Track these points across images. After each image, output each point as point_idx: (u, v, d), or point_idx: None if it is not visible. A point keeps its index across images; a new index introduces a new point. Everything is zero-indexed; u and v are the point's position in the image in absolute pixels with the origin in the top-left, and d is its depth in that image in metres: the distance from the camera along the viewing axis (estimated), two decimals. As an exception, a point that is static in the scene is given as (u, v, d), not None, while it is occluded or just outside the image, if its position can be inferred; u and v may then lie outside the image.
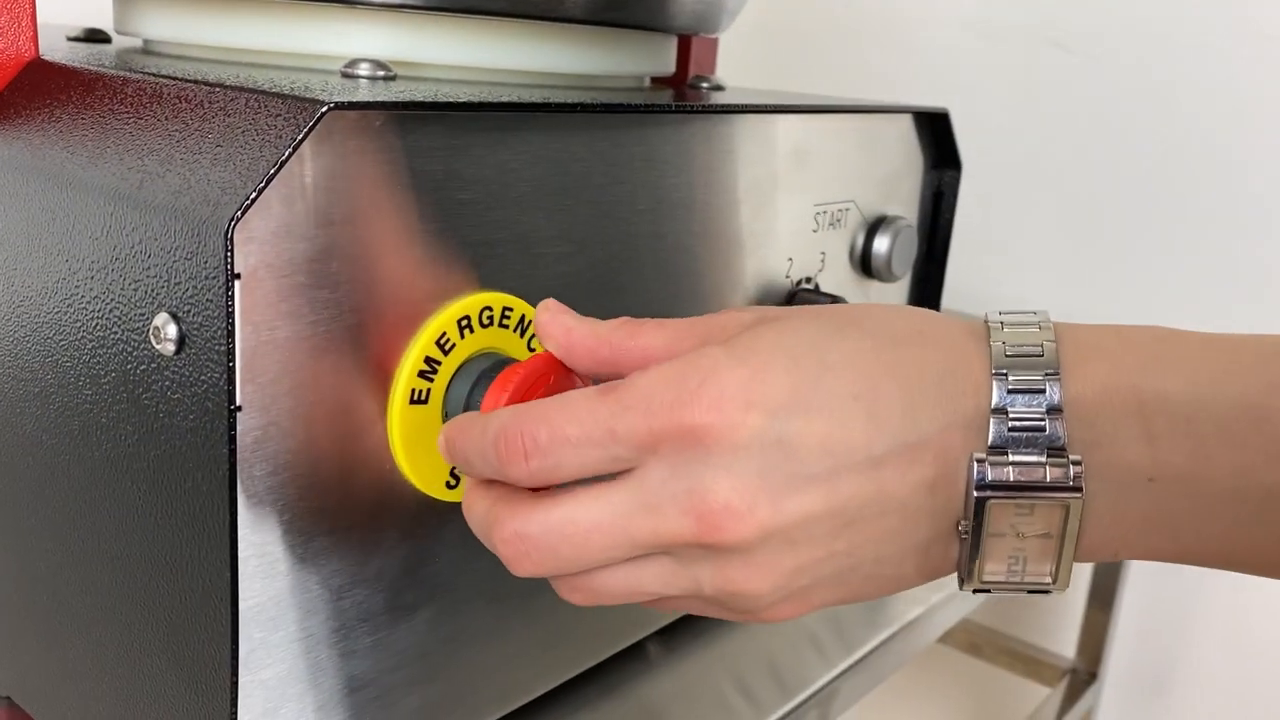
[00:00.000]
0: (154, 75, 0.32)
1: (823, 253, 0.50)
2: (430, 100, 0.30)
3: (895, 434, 0.27)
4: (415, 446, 0.33)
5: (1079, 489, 0.27)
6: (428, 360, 0.32)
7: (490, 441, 0.28)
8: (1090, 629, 0.90)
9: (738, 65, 0.83)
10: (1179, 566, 0.76)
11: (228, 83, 0.31)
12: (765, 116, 0.44)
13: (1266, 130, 0.92)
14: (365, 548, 0.33)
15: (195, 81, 0.31)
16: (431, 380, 0.33)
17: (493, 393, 0.32)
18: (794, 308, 0.31)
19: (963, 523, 0.28)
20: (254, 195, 0.26)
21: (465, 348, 0.34)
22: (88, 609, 0.35)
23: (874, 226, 0.53)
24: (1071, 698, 0.87)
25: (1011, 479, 0.27)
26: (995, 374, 0.27)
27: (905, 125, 0.54)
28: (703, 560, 0.28)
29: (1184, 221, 0.97)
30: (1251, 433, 0.26)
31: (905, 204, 0.56)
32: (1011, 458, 0.27)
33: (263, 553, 0.30)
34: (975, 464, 0.27)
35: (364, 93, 0.33)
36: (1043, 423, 0.27)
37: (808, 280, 0.50)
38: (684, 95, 0.51)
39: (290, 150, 0.27)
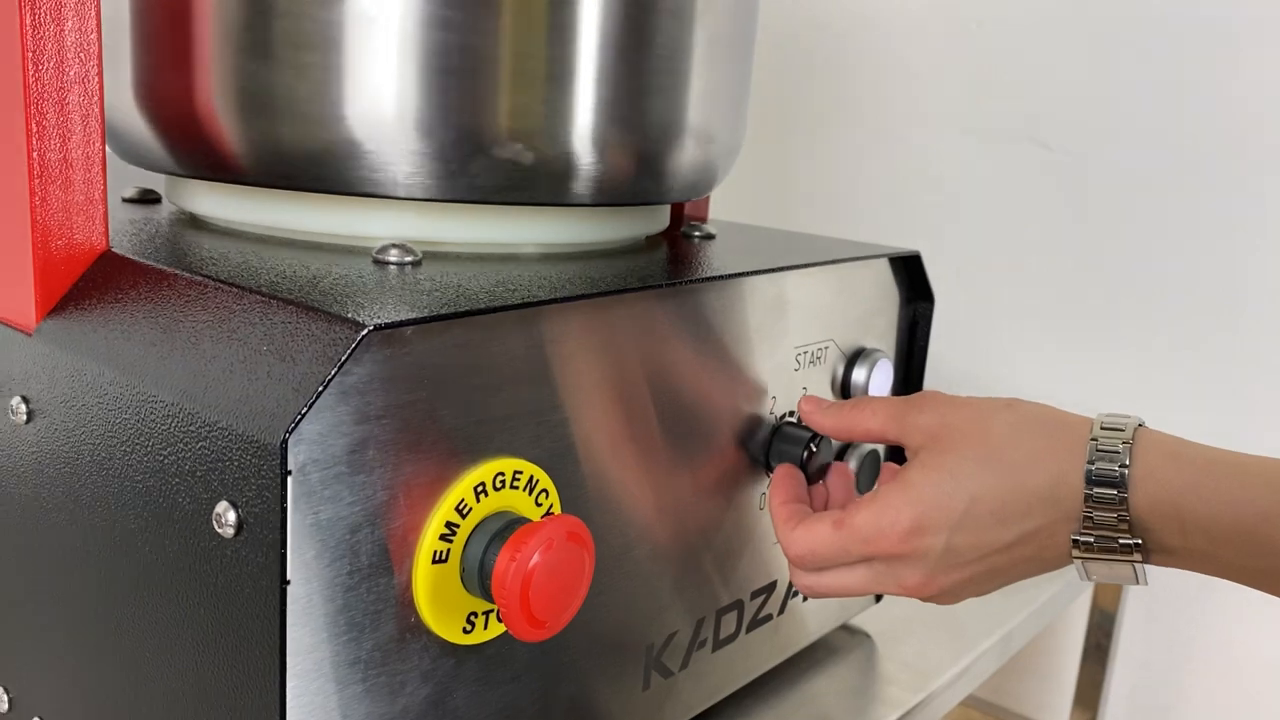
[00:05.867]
0: (215, 280, 0.38)
1: (804, 388, 0.55)
2: (454, 312, 0.35)
3: (1018, 529, 0.43)
4: (437, 600, 0.38)
5: (1139, 552, 0.42)
6: (448, 524, 0.37)
7: (786, 551, 0.47)
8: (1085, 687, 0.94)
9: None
10: (1169, 641, 0.80)
11: (281, 294, 0.36)
12: (750, 277, 0.49)
13: (1230, 218, 0.98)
14: (393, 689, 0.37)
15: (253, 291, 0.36)
16: (451, 542, 0.38)
17: (505, 554, 0.37)
18: (954, 425, 0.45)
19: (1074, 557, 0.43)
20: (305, 410, 0.31)
21: (481, 510, 0.38)
22: (147, 740, 0.39)
23: (852, 359, 0.58)
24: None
25: (1096, 549, 0.42)
26: (1085, 490, 0.41)
27: (881, 266, 0.60)
28: (914, 596, 0.46)
29: (1160, 303, 1.02)
30: (1245, 540, 0.40)
31: (882, 336, 0.61)
32: (1096, 535, 0.42)
33: (306, 701, 0.34)
34: (1072, 546, 0.42)
35: (394, 286, 0.38)
36: (1112, 525, 0.41)
37: (790, 414, 0.55)
38: (677, 246, 0.56)
39: (335, 370, 0.32)
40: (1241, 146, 0.95)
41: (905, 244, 1.13)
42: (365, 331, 0.33)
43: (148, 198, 0.56)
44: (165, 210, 0.54)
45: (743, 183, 1.16)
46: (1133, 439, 0.42)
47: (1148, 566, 0.43)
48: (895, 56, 1.15)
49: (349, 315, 0.34)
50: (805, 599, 0.60)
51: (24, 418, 0.42)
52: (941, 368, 1.10)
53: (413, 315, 0.34)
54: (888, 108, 1.16)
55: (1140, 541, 0.41)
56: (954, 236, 1.11)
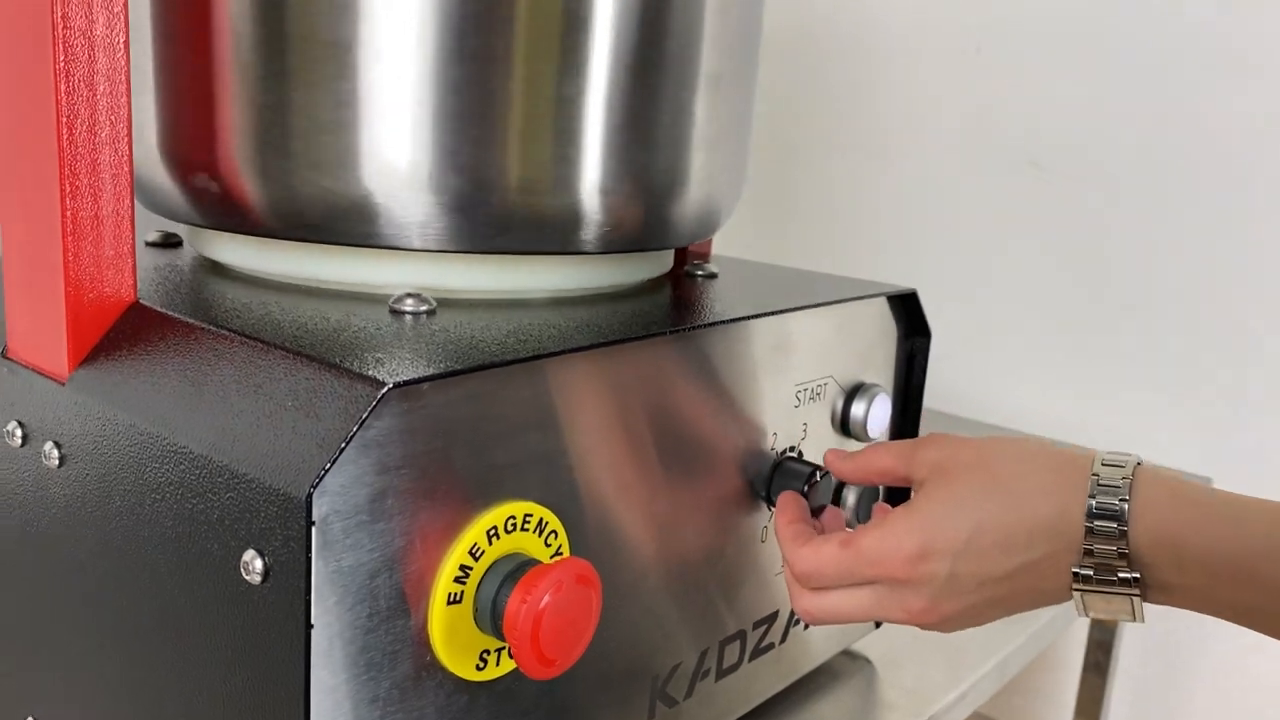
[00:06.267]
0: (241, 334, 0.40)
1: (804, 424, 0.57)
2: (468, 367, 0.37)
3: (1021, 558, 0.44)
4: (452, 639, 0.39)
5: (1137, 586, 0.43)
6: (462, 567, 0.39)
7: (791, 568, 0.48)
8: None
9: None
10: (1167, 681, 0.81)
11: (305, 350, 0.38)
12: (752, 320, 0.51)
13: (1227, 240, 0.99)
14: (409, 724, 0.39)
15: (278, 346, 0.38)
16: (465, 583, 0.39)
17: (518, 592, 0.39)
18: (961, 457, 0.46)
19: (1073, 591, 0.44)
20: (329, 466, 0.33)
21: (493, 553, 0.40)
22: (174, 773, 0.41)
23: (851, 394, 0.60)
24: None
25: (1096, 582, 0.43)
26: (1086, 523, 0.43)
27: (879, 303, 0.61)
28: (915, 624, 0.47)
29: (1157, 324, 1.03)
30: (1241, 577, 0.41)
31: (880, 370, 0.63)
32: (1095, 568, 0.43)
33: (328, 738, 0.36)
34: (1072, 577, 0.43)
35: (410, 337, 0.40)
36: (1112, 557, 0.43)
37: (791, 449, 0.56)
38: (681, 287, 0.58)
39: (357, 427, 0.34)
40: (1237, 170, 0.97)
41: (905, 264, 1.15)
42: (385, 389, 0.34)
43: (170, 241, 0.58)
44: (187, 255, 0.56)
45: (744, 206, 1.18)
46: (1132, 475, 0.43)
47: (1145, 605, 0.44)
48: (895, 81, 1.17)
49: (369, 373, 0.35)
50: (806, 627, 0.62)
51: (56, 462, 0.44)
52: (941, 388, 1.12)
53: (429, 371, 0.36)
54: (887, 130, 1.18)
55: (1139, 576, 0.43)
56: (953, 257, 1.13)
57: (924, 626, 0.47)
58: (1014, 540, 0.44)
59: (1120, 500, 0.43)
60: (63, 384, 0.43)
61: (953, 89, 1.12)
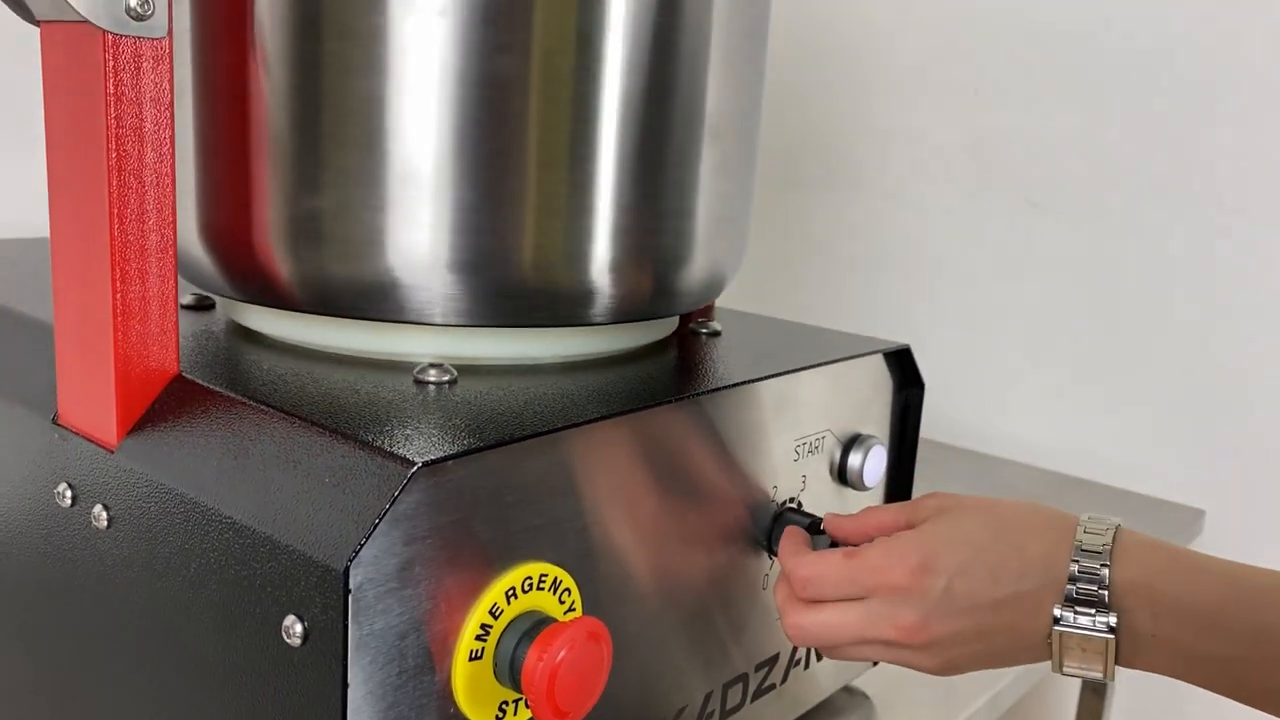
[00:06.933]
0: (279, 410, 0.43)
1: (804, 476, 0.60)
2: (489, 444, 0.40)
3: (1010, 588, 0.47)
4: (474, 693, 0.42)
5: (1113, 632, 0.46)
6: (483, 626, 0.42)
7: (790, 577, 0.51)
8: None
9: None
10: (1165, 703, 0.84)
11: (341, 428, 0.41)
12: (755, 383, 0.55)
13: (1226, 277, 1.02)
14: (434, 771, 0.42)
15: (315, 424, 0.42)
16: (485, 641, 0.43)
17: (534, 650, 0.42)
18: (964, 501, 0.51)
19: (1050, 639, 0.47)
20: (364, 541, 0.37)
21: (511, 611, 0.43)
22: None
23: (848, 445, 0.63)
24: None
25: (1076, 623, 0.46)
26: (1073, 560, 0.47)
27: (875, 359, 0.65)
28: (900, 649, 0.49)
29: (1155, 359, 1.06)
30: (1206, 623, 0.45)
31: (876, 422, 0.66)
32: (1077, 609, 0.46)
33: (360, 787, 0.39)
34: (1055, 613, 0.46)
35: (434, 409, 0.43)
36: (1094, 596, 0.46)
37: (791, 500, 0.59)
38: (686, 347, 0.61)
39: (389, 505, 0.37)
40: (1234, 207, 1.00)
41: (904, 299, 1.18)
42: (415, 469, 0.38)
43: (203, 304, 0.62)
44: (220, 318, 0.59)
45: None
46: (1115, 529, 0.48)
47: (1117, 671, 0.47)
48: (896, 119, 1.20)
49: (399, 452, 0.39)
50: (807, 667, 0.65)
51: (105, 523, 0.47)
52: (941, 421, 1.15)
53: (454, 450, 0.39)
54: (889, 169, 1.21)
55: (1116, 620, 0.46)
56: (952, 291, 1.16)
57: (910, 646, 0.49)
58: (1007, 569, 0.48)
59: (1104, 546, 0.47)
60: (112, 452, 0.47)
61: (953, 127, 1.16)
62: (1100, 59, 1.05)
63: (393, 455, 0.39)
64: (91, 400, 0.48)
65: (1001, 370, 1.15)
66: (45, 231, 0.91)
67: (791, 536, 0.55)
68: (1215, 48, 0.98)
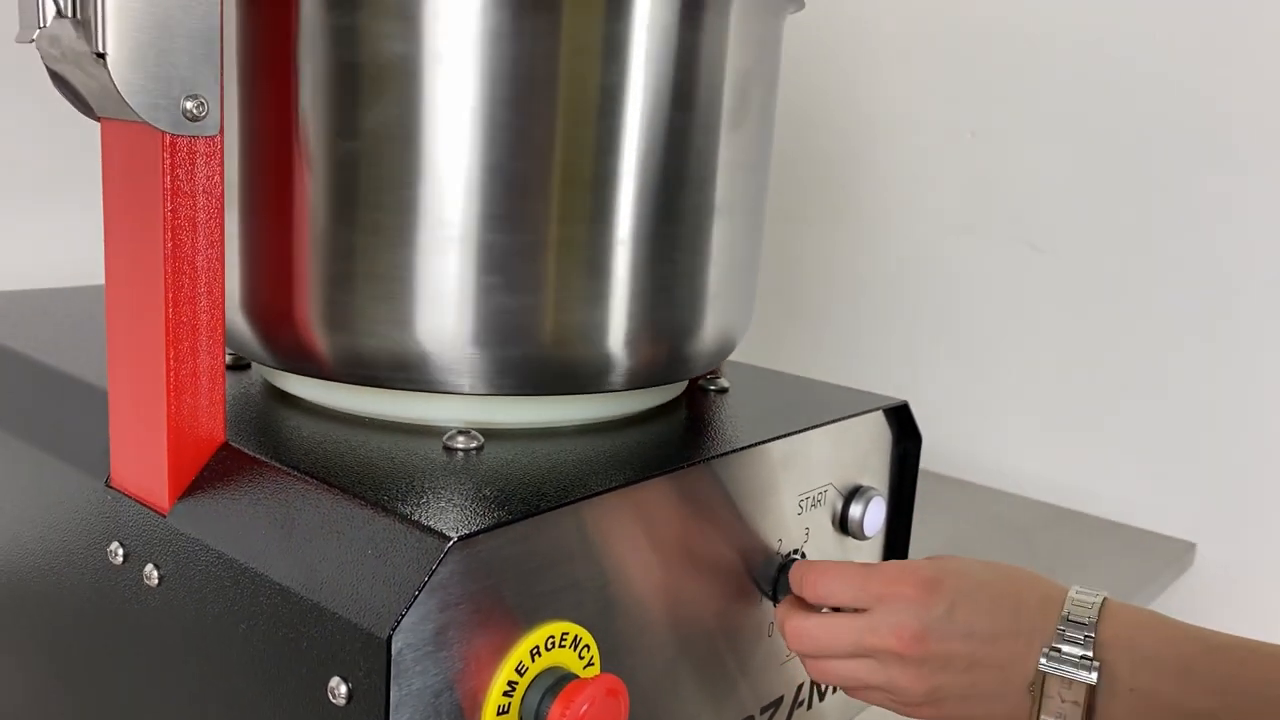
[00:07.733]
0: (323, 482, 0.47)
1: (807, 528, 0.64)
2: (515, 517, 0.44)
3: (1007, 623, 0.51)
4: (501, 744, 0.46)
5: (1095, 672, 0.49)
6: (509, 683, 0.46)
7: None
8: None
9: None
10: None
11: (382, 502, 0.44)
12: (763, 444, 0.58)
13: (1220, 316, 1.05)
14: (464, 817, 0.46)
15: (356, 496, 0.45)
16: (512, 696, 0.46)
17: (558, 705, 0.46)
18: (967, 557, 0.54)
19: (1032, 686, 0.50)
20: (405, 611, 0.40)
21: (535, 668, 0.47)
22: None
23: (849, 497, 0.66)
24: None
25: (1063, 661, 0.50)
26: (1063, 613, 0.50)
27: (875, 415, 0.68)
28: (893, 664, 0.52)
29: (1151, 398, 1.09)
30: (1183, 674, 0.49)
31: (876, 473, 0.69)
32: (1064, 651, 0.50)
33: (398, 834, 0.43)
34: (1044, 653, 0.50)
35: (462, 477, 0.47)
36: (1080, 640, 0.50)
37: (796, 551, 0.63)
38: (695, 406, 0.65)
39: (428, 577, 0.40)
40: (1229, 250, 1.03)
41: (903, 336, 1.21)
42: (450, 543, 0.41)
43: (239, 363, 0.65)
44: (256, 379, 0.63)
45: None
46: (1103, 597, 0.52)
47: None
48: (896, 161, 1.24)
49: (436, 527, 0.42)
50: (809, 707, 0.68)
51: (156, 582, 0.51)
52: (941, 457, 1.18)
53: (485, 524, 0.43)
54: (889, 208, 1.25)
55: (1099, 668, 0.50)
56: (950, 330, 1.20)
57: (904, 659, 0.51)
58: (1004, 606, 0.52)
59: (1092, 602, 0.51)
60: (164, 515, 0.50)
61: (950, 168, 1.19)
62: (1100, 103, 1.08)
63: (430, 530, 0.42)
64: (144, 466, 0.51)
65: (994, 402, 1.18)
66: (67, 278, 0.94)
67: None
68: (1215, 95, 1.02)
